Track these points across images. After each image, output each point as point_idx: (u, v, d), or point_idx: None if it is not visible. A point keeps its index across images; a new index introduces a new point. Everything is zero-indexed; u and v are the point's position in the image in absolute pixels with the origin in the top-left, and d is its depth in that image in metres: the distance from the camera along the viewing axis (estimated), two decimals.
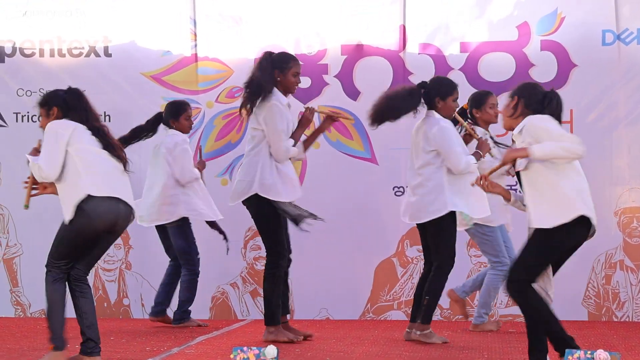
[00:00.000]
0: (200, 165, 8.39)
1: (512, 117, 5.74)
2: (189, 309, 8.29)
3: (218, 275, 8.97)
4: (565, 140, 5.49)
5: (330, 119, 7.44)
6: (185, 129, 8.31)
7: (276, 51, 9.06)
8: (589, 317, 8.67)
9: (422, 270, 7.63)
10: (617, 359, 4.48)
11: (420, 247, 7.52)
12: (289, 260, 7.45)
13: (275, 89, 7.17)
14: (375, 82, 8.99)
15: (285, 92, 7.23)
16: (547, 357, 5.57)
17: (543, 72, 8.82)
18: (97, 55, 9.35)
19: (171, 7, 9.30)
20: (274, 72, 7.19)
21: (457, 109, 7.41)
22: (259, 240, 9.02)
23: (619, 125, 8.79)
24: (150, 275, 8.91)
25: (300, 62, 7.44)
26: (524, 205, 5.73)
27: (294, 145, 7.15)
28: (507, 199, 5.90)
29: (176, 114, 8.27)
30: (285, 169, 7.17)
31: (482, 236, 7.70)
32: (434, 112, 7.18)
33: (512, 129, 5.75)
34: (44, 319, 8.33)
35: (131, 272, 9.15)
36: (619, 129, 8.79)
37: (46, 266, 6.06)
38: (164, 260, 8.41)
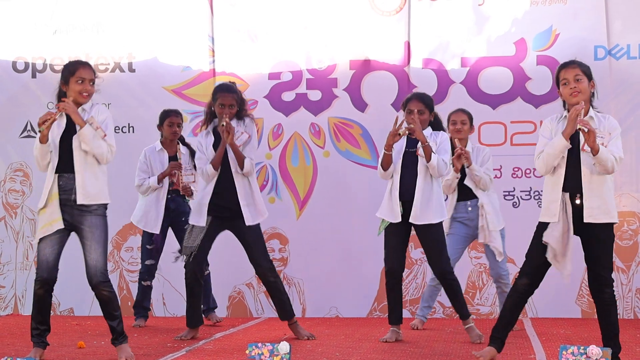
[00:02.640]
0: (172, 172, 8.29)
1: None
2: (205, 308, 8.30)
3: (234, 276, 8.99)
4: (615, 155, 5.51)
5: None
6: (168, 135, 8.32)
7: (289, 67, 9.16)
8: (582, 315, 8.65)
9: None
10: (608, 354, 4.47)
11: (423, 250, 7.49)
12: (265, 276, 7.32)
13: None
14: (381, 95, 9.02)
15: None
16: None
17: (539, 86, 8.82)
18: (122, 70, 9.39)
19: (191, 26, 9.33)
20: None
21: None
22: (273, 243, 9.06)
23: None
24: (171, 276, 8.91)
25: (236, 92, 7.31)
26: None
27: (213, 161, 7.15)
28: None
29: (161, 121, 8.34)
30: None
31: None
32: None
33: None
34: (72, 317, 8.37)
35: None
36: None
37: None
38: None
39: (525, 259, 5.86)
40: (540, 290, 6.01)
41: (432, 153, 6.86)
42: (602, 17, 8.77)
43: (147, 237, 8.26)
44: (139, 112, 9.29)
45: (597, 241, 5.64)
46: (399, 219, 6.99)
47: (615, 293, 5.80)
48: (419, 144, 6.91)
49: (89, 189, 6.03)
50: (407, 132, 6.88)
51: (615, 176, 8.63)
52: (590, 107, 5.74)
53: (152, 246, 8.26)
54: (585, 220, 5.58)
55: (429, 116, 7.09)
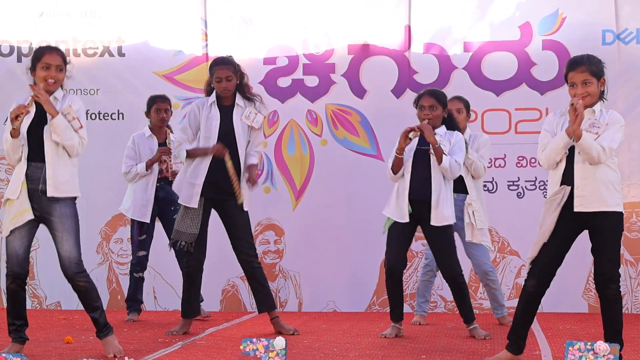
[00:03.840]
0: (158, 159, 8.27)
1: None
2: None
3: (228, 269, 8.96)
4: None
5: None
6: (156, 121, 8.30)
7: (285, 51, 9.13)
8: (589, 310, 8.65)
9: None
10: (616, 350, 4.46)
11: (425, 242, 7.47)
12: (247, 263, 7.30)
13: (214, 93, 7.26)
14: (381, 80, 9.01)
15: (218, 95, 7.26)
16: None
17: (544, 71, 8.81)
18: (111, 55, 9.36)
19: (183, 8, 9.30)
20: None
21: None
22: (268, 234, 9.04)
23: None
24: (162, 269, 8.91)
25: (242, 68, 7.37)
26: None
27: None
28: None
29: (148, 107, 8.34)
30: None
31: None
32: None
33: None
34: (59, 311, 8.36)
35: None
36: None
37: None
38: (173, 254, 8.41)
39: (529, 263, 5.82)
40: None
41: (444, 155, 6.86)
42: (611, 0, 8.76)
43: (137, 227, 8.23)
44: (128, 98, 9.26)
45: (598, 232, 5.63)
46: (407, 219, 6.97)
47: (621, 288, 5.78)
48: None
49: (59, 180, 5.96)
50: (418, 133, 6.87)
51: (623, 166, 8.72)
52: (599, 102, 5.70)
53: (143, 237, 8.24)
54: (575, 209, 5.57)
55: (442, 112, 7.05)
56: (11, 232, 5.99)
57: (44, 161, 5.95)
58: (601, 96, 5.69)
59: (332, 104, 9.08)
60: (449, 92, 8.39)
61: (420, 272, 8.15)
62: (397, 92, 9.00)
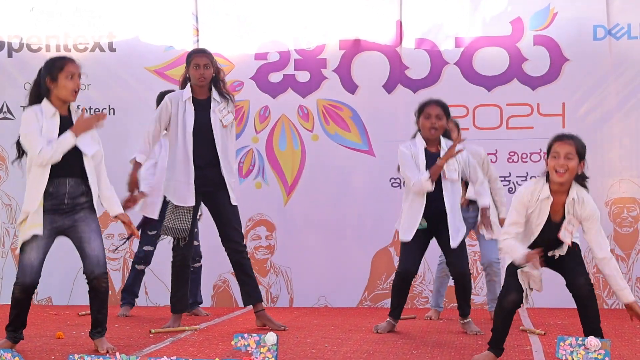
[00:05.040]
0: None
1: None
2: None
3: (220, 264, 8.95)
4: None
5: None
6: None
7: (276, 46, 9.13)
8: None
9: None
10: (607, 345, 4.47)
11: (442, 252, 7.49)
12: (235, 253, 7.28)
13: (187, 86, 7.22)
14: (372, 76, 9.01)
15: (194, 86, 7.21)
16: None
17: (536, 67, 8.83)
18: (102, 50, 9.35)
19: (174, 3, 9.29)
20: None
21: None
22: (259, 230, 9.04)
23: (610, 118, 8.79)
24: (154, 264, 8.89)
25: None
26: None
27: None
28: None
29: (159, 103, 8.20)
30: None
31: None
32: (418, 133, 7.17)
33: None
34: (50, 307, 8.35)
35: None
36: (610, 121, 8.79)
37: None
38: (168, 250, 8.39)
39: (506, 277, 5.80)
40: None
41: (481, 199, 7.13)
42: None
43: (147, 222, 8.16)
44: (119, 94, 9.25)
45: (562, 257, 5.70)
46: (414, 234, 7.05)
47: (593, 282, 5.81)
48: (447, 166, 6.97)
49: (100, 196, 6.10)
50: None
51: (614, 161, 8.75)
52: (574, 187, 5.64)
53: (153, 232, 8.18)
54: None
55: (445, 123, 7.06)
56: (27, 243, 5.94)
57: (67, 176, 5.94)
58: (579, 180, 5.64)
59: (324, 99, 9.09)
60: (441, 87, 8.46)
61: (435, 269, 8.16)
62: (389, 87, 9.00)
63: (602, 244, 5.60)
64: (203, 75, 7.12)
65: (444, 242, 7.04)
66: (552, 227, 5.60)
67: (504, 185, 8.76)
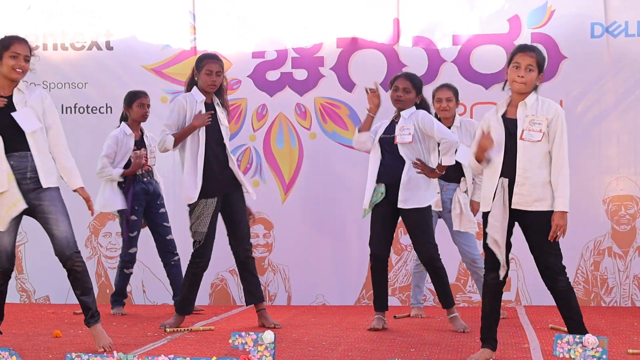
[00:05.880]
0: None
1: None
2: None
3: (217, 263, 8.91)
4: None
5: None
6: (137, 117, 8.20)
7: (274, 45, 9.13)
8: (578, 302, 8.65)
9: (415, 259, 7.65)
10: (605, 343, 4.47)
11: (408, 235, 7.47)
12: (245, 251, 7.32)
13: (194, 88, 7.23)
14: (369, 74, 8.98)
15: (201, 90, 7.22)
16: None
17: None
18: (99, 48, 9.34)
19: (171, 2, 9.29)
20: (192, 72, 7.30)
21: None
22: (257, 228, 9.04)
23: (608, 116, 8.79)
24: (152, 263, 8.89)
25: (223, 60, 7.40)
26: None
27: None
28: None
29: (129, 102, 8.21)
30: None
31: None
32: None
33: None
34: (48, 305, 8.35)
35: None
36: (608, 119, 8.79)
37: None
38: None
39: (484, 252, 5.80)
40: (534, 277, 6.01)
41: (444, 157, 7.00)
42: None
43: (125, 224, 8.18)
44: (117, 92, 9.21)
45: (535, 230, 5.60)
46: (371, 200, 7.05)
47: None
48: (399, 130, 7.03)
49: (47, 170, 5.95)
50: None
51: (612, 159, 8.75)
52: (532, 93, 5.67)
53: (134, 234, 8.20)
54: (512, 206, 5.56)
55: (414, 97, 7.10)
56: None
57: (27, 150, 5.91)
58: (535, 89, 5.69)
59: (321, 97, 9.08)
60: (438, 85, 8.40)
61: (410, 265, 8.14)
62: (386, 85, 8.96)
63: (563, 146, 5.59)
64: (215, 83, 7.18)
65: (404, 215, 6.98)
66: (516, 143, 5.60)
67: None
